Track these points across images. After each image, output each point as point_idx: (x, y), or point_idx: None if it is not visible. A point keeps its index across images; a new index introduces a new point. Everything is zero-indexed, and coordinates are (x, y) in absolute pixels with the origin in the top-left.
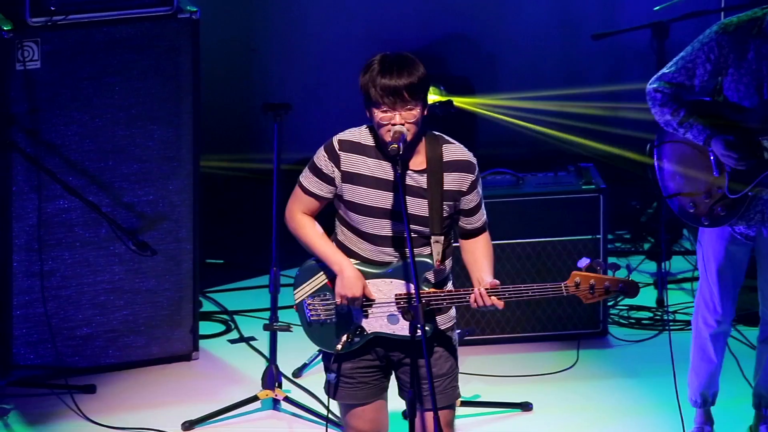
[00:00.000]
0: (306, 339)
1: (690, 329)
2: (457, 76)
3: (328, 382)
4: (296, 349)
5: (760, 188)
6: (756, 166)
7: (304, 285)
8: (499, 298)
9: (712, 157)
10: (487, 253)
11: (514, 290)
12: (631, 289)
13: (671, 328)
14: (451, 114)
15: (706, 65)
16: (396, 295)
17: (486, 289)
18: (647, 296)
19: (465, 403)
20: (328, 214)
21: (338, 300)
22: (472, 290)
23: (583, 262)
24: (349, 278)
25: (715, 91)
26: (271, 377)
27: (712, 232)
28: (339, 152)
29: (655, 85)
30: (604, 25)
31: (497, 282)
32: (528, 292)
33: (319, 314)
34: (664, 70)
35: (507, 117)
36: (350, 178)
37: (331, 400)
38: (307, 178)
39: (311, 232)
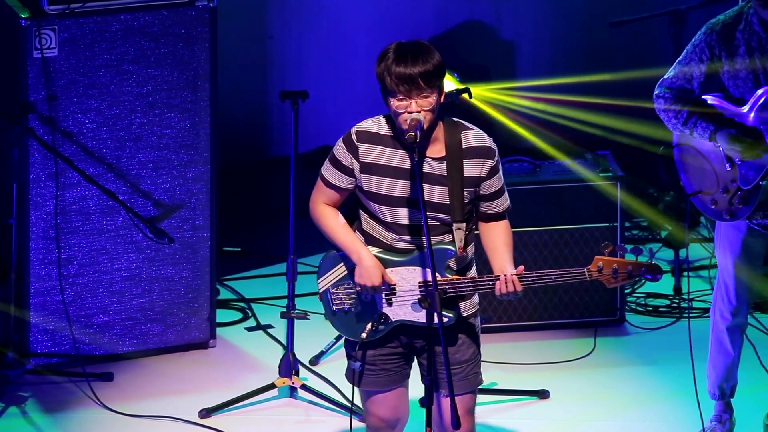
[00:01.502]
0: (323, 327)
1: (707, 317)
2: (475, 64)
3: (352, 371)
4: (313, 336)
5: None
6: (762, 155)
7: (328, 274)
8: (522, 284)
9: (722, 152)
10: (507, 240)
11: (538, 276)
12: (654, 272)
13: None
14: (469, 101)
15: (701, 66)
16: (419, 282)
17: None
18: (664, 284)
19: (482, 391)
20: (352, 203)
21: (358, 289)
22: (496, 277)
23: (605, 246)
24: (367, 267)
25: (722, 88)
26: (288, 365)
27: (728, 225)
28: (357, 143)
29: (657, 91)
30: (622, 12)
31: (522, 268)
32: (551, 278)
33: (343, 303)
34: (665, 75)
35: (525, 104)
36: (369, 168)
37: (351, 388)
38: (327, 171)
39: (332, 222)
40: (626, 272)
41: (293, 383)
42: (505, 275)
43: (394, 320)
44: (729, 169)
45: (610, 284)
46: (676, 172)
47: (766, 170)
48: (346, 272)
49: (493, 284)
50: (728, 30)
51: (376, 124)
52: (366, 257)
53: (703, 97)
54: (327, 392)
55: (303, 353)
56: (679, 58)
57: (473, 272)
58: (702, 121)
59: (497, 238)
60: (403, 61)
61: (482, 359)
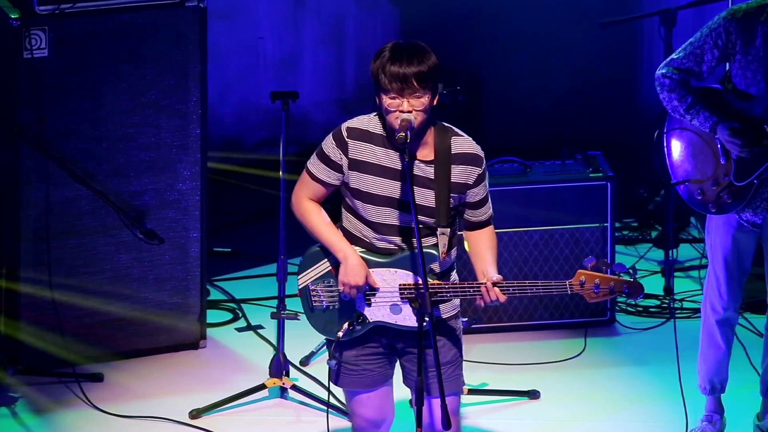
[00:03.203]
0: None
1: (697, 317)
2: (466, 64)
3: (330, 369)
4: (303, 337)
5: (766, 176)
6: (761, 153)
7: (308, 271)
8: (504, 293)
9: (718, 145)
10: (492, 245)
11: (519, 286)
12: (635, 291)
13: (678, 315)
14: (459, 102)
15: (714, 51)
16: (400, 285)
17: (492, 284)
18: (654, 284)
19: (472, 392)
20: (334, 201)
21: (341, 287)
22: (479, 285)
23: (589, 260)
24: (353, 266)
25: (724, 78)
26: (279, 365)
27: (719, 220)
28: (347, 140)
29: (663, 71)
30: (612, 12)
31: (501, 278)
32: (533, 289)
33: (322, 300)
34: (673, 56)
35: (514, 105)
36: (357, 165)
37: (337, 387)
38: (314, 165)
39: (317, 219)
40: (608, 288)
41: (283, 384)
42: (486, 285)
43: (371, 321)
44: (723, 162)
45: (591, 299)
46: (663, 161)
47: (763, 169)
48: (327, 270)
49: (476, 292)
50: (749, 19)
51: (368, 122)
52: (352, 256)
53: (713, 86)
54: (317, 393)
55: (293, 354)
56: (691, 40)
57: (454, 275)
58: (705, 111)
59: (481, 243)
60: (399, 60)
61: (473, 360)
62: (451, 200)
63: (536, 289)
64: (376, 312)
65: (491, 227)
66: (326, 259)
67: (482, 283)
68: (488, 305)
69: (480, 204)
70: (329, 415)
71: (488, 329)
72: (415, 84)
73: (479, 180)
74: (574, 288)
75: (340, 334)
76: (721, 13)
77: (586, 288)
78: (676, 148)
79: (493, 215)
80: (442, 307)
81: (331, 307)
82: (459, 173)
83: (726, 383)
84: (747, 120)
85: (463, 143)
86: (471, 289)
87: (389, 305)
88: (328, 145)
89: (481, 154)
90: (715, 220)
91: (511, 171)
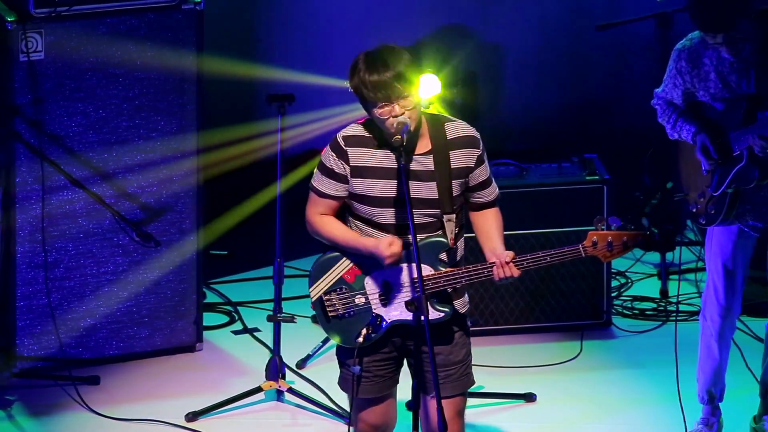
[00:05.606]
0: (310, 330)
1: (693, 320)
2: (461, 67)
3: (346, 378)
4: (300, 340)
5: (737, 185)
6: (728, 163)
7: (319, 282)
8: (518, 268)
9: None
10: (498, 225)
11: (533, 258)
12: (649, 241)
13: (675, 318)
14: (456, 104)
15: (676, 90)
16: (412, 279)
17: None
18: (650, 287)
19: (469, 394)
20: (340, 210)
21: (389, 261)
22: (491, 264)
23: (598, 220)
24: (386, 243)
25: None
26: (275, 368)
27: (719, 227)
28: (346, 148)
29: (653, 101)
30: (608, 15)
31: (513, 254)
32: (547, 258)
33: (338, 309)
34: (656, 89)
35: (511, 107)
36: (360, 172)
37: (342, 392)
38: (319, 181)
39: (333, 228)
40: (621, 244)
41: (280, 386)
42: (500, 261)
43: (389, 321)
44: (706, 174)
45: (606, 258)
46: (662, 176)
47: (731, 179)
48: (337, 277)
49: (489, 272)
50: (695, 56)
51: (361, 128)
52: (379, 239)
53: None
54: (314, 396)
55: (290, 356)
56: (664, 77)
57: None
58: (686, 124)
59: (488, 223)
60: (375, 70)
61: None
62: (456, 187)
63: (551, 258)
64: (392, 311)
65: (497, 209)
66: (334, 267)
67: (493, 264)
68: (502, 282)
69: (484, 185)
70: (327, 417)
71: (485, 332)
72: (399, 86)
73: (479, 161)
74: (587, 250)
75: (361, 339)
76: (672, 54)
77: (599, 248)
78: (680, 164)
79: (499, 195)
80: (454, 302)
81: (347, 315)
82: (458, 158)
83: (724, 393)
84: (716, 132)
85: (457, 128)
86: (485, 271)
87: (403, 302)
88: (329, 158)
89: (477, 135)
90: (714, 228)
91: (507, 174)
